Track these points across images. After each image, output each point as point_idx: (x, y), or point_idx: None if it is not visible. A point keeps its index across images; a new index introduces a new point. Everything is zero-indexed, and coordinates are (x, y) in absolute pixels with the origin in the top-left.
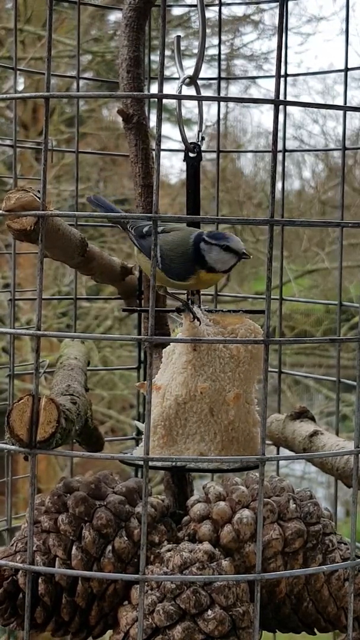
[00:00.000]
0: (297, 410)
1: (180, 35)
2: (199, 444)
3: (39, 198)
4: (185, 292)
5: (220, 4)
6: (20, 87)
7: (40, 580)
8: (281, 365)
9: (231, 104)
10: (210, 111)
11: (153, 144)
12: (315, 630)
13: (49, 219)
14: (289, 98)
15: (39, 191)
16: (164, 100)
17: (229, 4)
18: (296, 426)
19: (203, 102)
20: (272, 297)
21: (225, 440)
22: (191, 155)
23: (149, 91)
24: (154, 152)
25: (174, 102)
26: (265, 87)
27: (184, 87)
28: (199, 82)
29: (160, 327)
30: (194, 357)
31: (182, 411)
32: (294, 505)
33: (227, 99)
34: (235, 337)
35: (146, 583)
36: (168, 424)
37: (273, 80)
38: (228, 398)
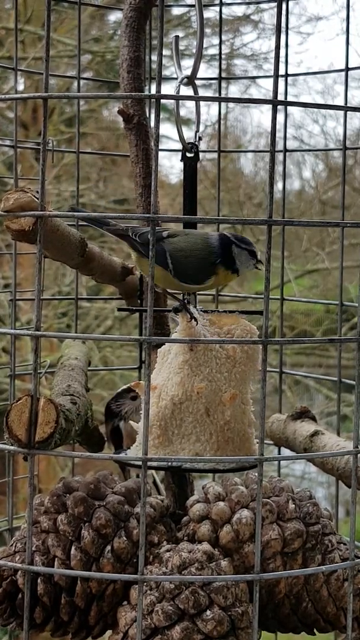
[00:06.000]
0: (298, 410)
1: (178, 36)
2: (194, 444)
3: (38, 199)
4: (181, 292)
5: (221, 4)
6: (21, 87)
7: (39, 581)
8: (282, 366)
9: (231, 104)
10: (210, 111)
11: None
12: (315, 630)
13: (48, 219)
14: (289, 98)
15: (37, 192)
16: (164, 100)
17: (229, 4)
18: (297, 426)
19: (201, 102)
20: (273, 297)
21: (220, 440)
22: (188, 155)
23: (149, 91)
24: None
25: (173, 102)
26: (266, 87)
27: (182, 87)
28: (199, 81)
29: (160, 327)
30: (190, 357)
31: (178, 411)
32: (293, 505)
33: (227, 99)
34: (231, 338)
35: (145, 583)
36: (164, 424)
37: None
38: (224, 398)
